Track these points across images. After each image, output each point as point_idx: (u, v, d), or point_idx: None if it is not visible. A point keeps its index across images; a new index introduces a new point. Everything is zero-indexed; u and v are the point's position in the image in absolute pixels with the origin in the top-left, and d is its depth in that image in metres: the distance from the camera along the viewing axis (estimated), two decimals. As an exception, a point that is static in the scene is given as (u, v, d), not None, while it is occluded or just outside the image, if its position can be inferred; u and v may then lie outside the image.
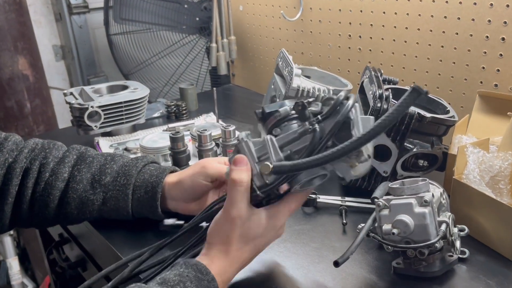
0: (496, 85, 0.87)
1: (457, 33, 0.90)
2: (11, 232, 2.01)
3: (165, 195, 0.72)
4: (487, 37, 0.86)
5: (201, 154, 0.88)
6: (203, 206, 0.73)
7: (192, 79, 1.91)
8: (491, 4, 0.83)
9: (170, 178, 0.73)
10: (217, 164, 0.71)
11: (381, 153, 0.79)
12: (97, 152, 0.78)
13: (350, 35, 1.12)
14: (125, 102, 1.05)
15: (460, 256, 0.63)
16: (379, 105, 0.75)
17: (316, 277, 0.62)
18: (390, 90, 0.85)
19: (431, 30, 0.95)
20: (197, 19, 1.77)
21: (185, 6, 1.78)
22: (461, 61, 0.91)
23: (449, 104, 0.95)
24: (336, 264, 0.55)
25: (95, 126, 1.02)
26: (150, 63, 1.94)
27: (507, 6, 0.81)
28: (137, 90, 1.09)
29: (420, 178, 0.62)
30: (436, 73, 0.97)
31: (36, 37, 1.83)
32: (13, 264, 2.01)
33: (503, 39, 0.83)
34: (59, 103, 2.12)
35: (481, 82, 0.89)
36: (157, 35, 1.90)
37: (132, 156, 0.87)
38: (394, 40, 1.02)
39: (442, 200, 0.63)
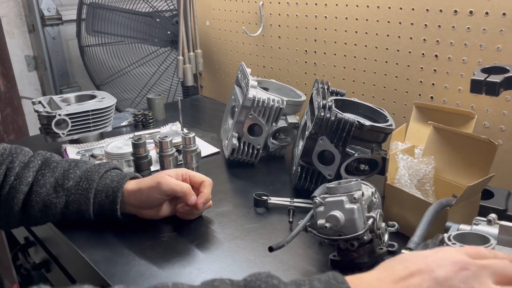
0: (432, 97, 0.96)
1: (398, 50, 0.99)
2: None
3: (124, 200, 0.77)
4: (423, 54, 0.95)
5: (162, 160, 0.94)
6: (158, 214, 0.79)
7: (164, 90, 1.97)
8: (426, 25, 0.93)
9: (130, 185, 0.78)
10: (172, 181, 0.76)
11: (325, 157, 0.86)
12: (62, 158, 0.83)
13: (306, 51, 1.20)
14: (92, 110, 1.10)
15: (390, 249, 0.70)
16: (322, 114, 0.82)
17: (261, 269, 0.68)
18: (335, 101, 0.93)
19: (376, 47, 1.03)
20: (169, 32, 1.84)
21: (157, 20, 1.84)
22: (402, 76, 1.00)
23: (393, 114, 1.05)
24: (270, 249, 0.62)
25: (63, 133, 1.06)
26: (122, 74, 1.99)
27: (439, 26, 0.90)
28: (104, 100, 1.14)
29: (354, 179, 0.69)
30: (382, 86, 1.05)
31: (8, 48, 1.87)
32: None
33: (436, 56, 0.93)
34: (31, 113, 2.13)
35: (419, 95, 0.98)
36: (129, 47, 1.96)
37: (98, 162, 0.92)
38: (345, 55, 1.11)
39: (374, 199, 0.70)
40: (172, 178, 0.76)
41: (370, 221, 0.65)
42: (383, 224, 0.69)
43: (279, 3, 1.22)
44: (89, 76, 2.02)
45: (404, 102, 1.02)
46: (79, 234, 0.78)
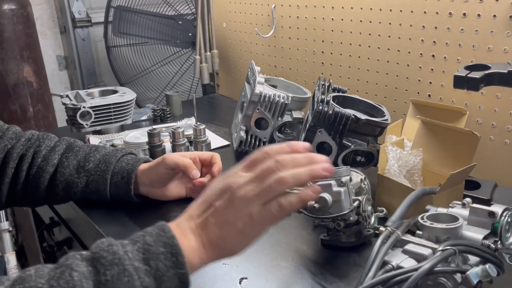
0: (429, 95, 1.01)
1: (398, 50, 1.05)
2: (10, 228, 2.14)
3: (137, 181, 0.86)
4: (421, 54, 1.00)
5: (174, 149, 1.02)
6: (166, 193, 0.87)
7: (185, 89, 2.06)
8: (423, 26, 0.98)
9: (142, 167, 0.86)
10: (176, 156, 0.84)
11: (324, 149, 0.92)
12: (84, 144, 0.92)
13: (314, 51, 1.26)
14: (113, 104, 1.19)
15: (376, 232, 0.76)
16: (320, 107, 0.89)
17: (259, 247, 0.75)
18: (337, 97, 1.00)
19: (378, 48, 1.09)
20: (190, 34, 1.93)
21: (179, 22, 1.94)
22: (402, 75, 1.06)
23: (394, 112, 1.10)
24: None
25: (86, 124, 1.16)
26: (145, 74, 2.10)
27: (435, 28, 0.95)
28: (125, 94, 1.24)
29: (344, 167, 0.75)
30: (384, 84, 1.11)
31: (41, 48, 2.00)
32: (11, 259, 2.13)
33: (433, 56, 0.98)
34: (60, 110, 2.26)
35: (418, 93, 1.03)
36: (153, 48, 2.06)
37: (116, 148, 1.01)
38: (350, 55, 1.17)
39: (363, 185, 0.76)
40: (176, 154, 0.84)
41: (356, 203, 0.71)
42: (369, 208, 0.74)
43: (289, 6, 1.29)
44: (115, 75, 2.13)
45: (404, 100, 1.07)
46: (97, 212, 0.87)
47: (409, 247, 0.56)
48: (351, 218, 0.70)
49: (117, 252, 0.49)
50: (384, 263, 0.55)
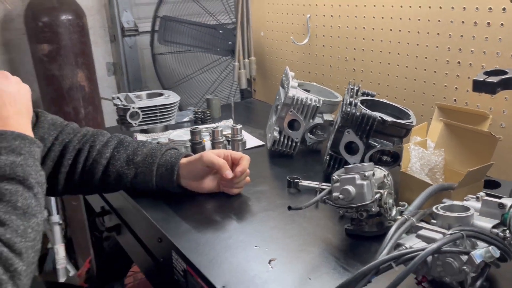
0: (455, 100, 1.06)
1: (426, 58, 1.10)
2: (60, 222, 2.31)
3: (179, 173, 0.95)
4: (447, 61, 1.05)
5: (213, 146, 1.12)
6: (201, 186, 0.96)
7: (224, 96, 2.17)
8: (450, 35, 1.03)
9: (183, 161, 0.96)
10: (212, 155, 0.93)
11: (352, 148, 0.99)
12: (132, 139, 1.03)
13: (346, 58, 1.33)
14: (159, 105, 1.31)
15: (397, 223, 0.82)
16: (348, 109, 0.96)
17: (287, 234, 0.83)
18: (366, 100, 1.06)
19: (407, 55, 1.15)
20: (230, 43, 2.04)
21: (220, 31, 2.06)
22: (429, 81, 1.11)
23: (422, 116, 1.15)
24: (289, 208, 0.76)
25: (135, 123, 1.28)
26: (187, 80, 2.23)
27: (461, 36, 1.01)
28: (170, 97, 1.35)
29: (369, 163, 0.82)
30: (412, 90, 1.16)
31: (93, 55, 2.17)
32: (60, 250, 2.30)
33: (459, 62, 1.03)
34: (107, 112, 2.43)
35: (444, 98, 1.08)
36: (195, 56, 2.19)
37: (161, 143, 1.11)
38: (380, 62, 1.23)
39: (385, 181, 0.82)
40: (214, 154, 0.93)
41: (377, 195, 0.77)
42: (391, 201, 0.80)
43: (324, 16, 1.37)
44: (159, 81, 2.27)
45: (431, 104, 1.12)
46: (144, 201, 0.97)
47: (422, 232, 0.62)
48: (372, 209, 0.76)
49: None
50: (398, 245, 0.61)
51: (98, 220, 1.23)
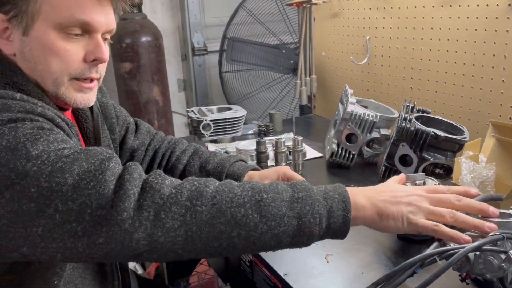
0: (510, 118, 1.10)
1: (482, 77, 1.15)
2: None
3: None
4: (503, 81, 1.10)
5: (276, 156, 1.23)
6: None
7: (284, 110, 2.30)
8: (505, 56, 1.08)
9: (250, 175, 1.04)
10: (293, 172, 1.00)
11: (405, 160, 1.06)
12: (205, 149, 1.16)
13: (404, 77, 1.41)
14: (228, 118, 1.45)
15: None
16: (403, 124, 1.03)
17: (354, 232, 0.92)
18: (421, 117, 1.13)
19: (463, 75, 1.21)
20: (292, 61, 2.17)
21: (283, 51, 2.19)
22: (485, 99, 1.16)
23: (477, 133, 1.20)
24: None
25: (207, 134, 1.43)
26: (250, 96, 2.38)
27: (516, 57, 1.06)
28: (237, 111, 1.49)
29: (421, 173, 0.89)
30: (467, 108, 1.21)
31: (167, 72, 2.38)
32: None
33: (514, 82, 1.07)
34: (177, 125, 2.64)
35: (500, 116, 1.12)
36: (258, 74, 2.34)
37: (230, 154, 1.24)
38: (436, 81, 1.29)
39: None
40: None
41: None
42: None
43: (383, 37, 1.45)
44: (225, 97, 2.44)
45: (486, 122, 1.16)
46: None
47: (466, 233, 0.69)
48: None
49: (307, 186, 0.67)
50: (444, 244, 0.69)
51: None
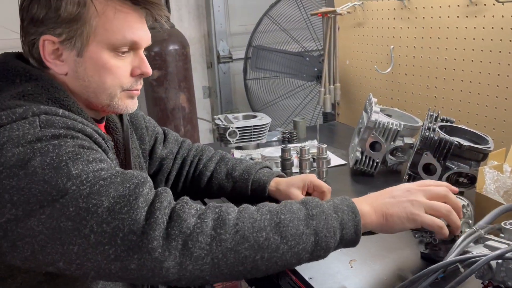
0: (536, 128, 1.10)
1: (507, 87, 1.16)
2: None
3: (269, 192, 1.06)
4: (528, 90, 1.10)
5: (301, 163, 1.26)
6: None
7: (308, 117, 2.33)
8: (531, 66, 1.09)
9: (275, 182, 1.07)
10: (297, 195, 1.02)
11: (429, 169, 1.08)
12: (232, 156, 1.20)
13: (428, 86, 1.42)
14: (254, 126, 1.49)
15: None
16: (427, 133, 1.05)
17: (367, 240, 0.93)
18: (445, 126, 1.14)
19: (488, 84, 1.21)
20: (315, 69, 2.20)
21: (307, 58, 2.23)
22: (510, 109, 1.16)
23: (502, 142, 1.20)
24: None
25: (233, 141, 1.47)
26: (274, 103, 2.42)
27: (542, 67, 1.06)
28: (262, 119, 1.53)
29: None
30: (493, 117, 1.22)
31: (193, 79, 2.44)
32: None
33: (539, 92, 1.08)
34: (202, 131, 2.70)
35: (525, 125, 1.13)
36: (282, 81, 2.37)
37: (255, 161, 1.28)
38: (461, 91, 1.30)
39: (465, 211, 0.84)
40: (298, 194, 1.03)
41: None
42: (467, 229, 0.83)
43: (407, 47, 1.47)
44: (249, 104, 2.49)
45: (511, 131, 1.17)
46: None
47: (488, 242, 0.71)
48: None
49: (318, 201, 0.73)
50: (466, 252, 0.70)
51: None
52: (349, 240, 0.72)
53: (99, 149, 0.74)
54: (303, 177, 1.06)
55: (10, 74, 0.78)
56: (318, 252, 0.70)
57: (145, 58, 0.84)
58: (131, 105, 0.86)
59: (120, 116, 0.97)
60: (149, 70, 0.84)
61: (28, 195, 0.63)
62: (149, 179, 0.71)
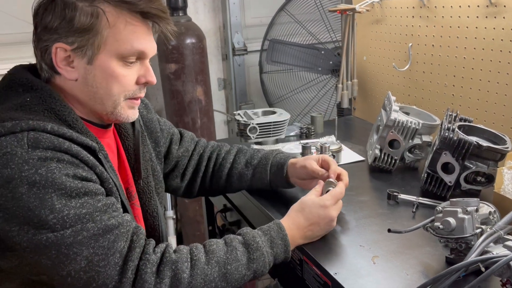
0: (553, 128, 1.13)
1: (525, 87, 1.18)
2: (174, 216, 2.65)
3: (287, 172, 1.13)
4: (546, 91, 1.13)
5: (321, 160, 1.30)
6: (308, 185, 1.10)
7: (322, 110, 2.35)
8: (549, 68, 1.11)
9: (291, 161, 1.14)
10: (314, 166, 1.09)
11: (447, 168, 1.11)
12: (248, 148, 1.25)
13: (445, 84, 1.44)
14: (273, 122, 1.52)
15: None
16: (446, 134, 1.08)
17: (388, 237, 0.98)
18: (464, 126, 1.17)
19: (506, 84, 1.24)
20: (331, 62, 2.22)
21: (322, 52, 2.25)
22: (528, 109, 1.19)
23: (519, 141, 1.23)
24: (389, 230, 0.90)
25: (253, 136, 1.51)
26: (289, 96, 2.44)
27: (561, 70, 1.08)
28: (281, 115, 1.57)
29: (475, 199, 0.84)
30: (510, 116, 1.24)
31: (209, 73, 2.47)
32: (172, 241, 2.63)
33: (557, 94, 1.10)
34: (216, 122, 2.73)
35: (542, 126, 1.15)
36: (297, 74, 2.40)
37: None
38: (479, 89, 1.33)
39: (491, 217, 0.87)
40: (314, 164, 1.09)
41: (478, 230, 0.80)
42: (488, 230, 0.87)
43: (425, 45, 1.49)
44: (265, 96, 2.52)
45: (528, 131, 1.20)
46: (263, 200, 1.18)
47: (508, 242, 0.75)
48: (472, 242, 0.80)
49: (259, 243, 0.88)
50: (486, 252, 0.74)
51: (220, 215, 1.47)
52: (280, 264, 0.92)
53: (85, 167, 0.80)
54: (317, 155, 1.15)
55: (16, 84, 0.84)
56: (255, 279, 0.91)
57: (150, 67, 0.90)
58: (131, 115, 0.91)
59: (133, 123, 1.03)
60: (153, 79, 0.90)
61: (13, 215, 0.73)
62: (129, 223, 0.82)
